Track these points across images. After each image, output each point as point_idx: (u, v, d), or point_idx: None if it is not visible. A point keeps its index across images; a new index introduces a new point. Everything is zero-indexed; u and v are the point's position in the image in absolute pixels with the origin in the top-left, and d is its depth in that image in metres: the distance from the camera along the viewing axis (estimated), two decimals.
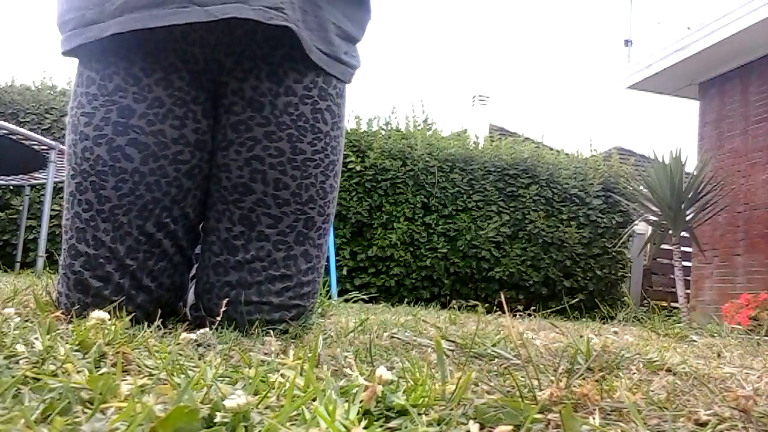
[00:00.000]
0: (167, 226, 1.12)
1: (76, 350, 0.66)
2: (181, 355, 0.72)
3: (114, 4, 1.06)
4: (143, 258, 1.10)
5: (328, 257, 3.34)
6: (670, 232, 4.38)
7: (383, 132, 5.45)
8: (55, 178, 3.49)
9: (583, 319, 3.66)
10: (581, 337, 1.36)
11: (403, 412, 0.49)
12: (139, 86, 1.10)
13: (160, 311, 1.13)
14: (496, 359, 0.90)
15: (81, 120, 1.10)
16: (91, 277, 1.08)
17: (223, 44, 1.14)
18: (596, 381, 0.63)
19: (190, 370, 0.62)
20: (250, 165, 1.12)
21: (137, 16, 1.05)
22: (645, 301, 5.91)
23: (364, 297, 3.16)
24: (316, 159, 1.15)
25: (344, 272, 4.90)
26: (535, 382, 0.61)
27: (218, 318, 1.03)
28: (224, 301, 1.07)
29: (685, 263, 4.66)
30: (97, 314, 0.79)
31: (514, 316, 3.12)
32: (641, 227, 5.87)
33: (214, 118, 1.17)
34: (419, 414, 0.48)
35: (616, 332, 2.02)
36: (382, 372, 0.54)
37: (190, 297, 1.23)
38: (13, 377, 0.47)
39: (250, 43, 1.15)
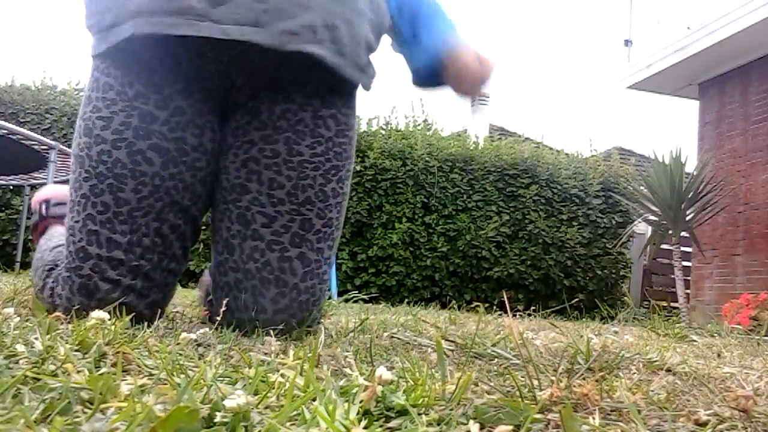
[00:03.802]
0: (179, 228, 1.14)
1: (76, 350, 0.66)
2: (181, 355, 0.72)
3: (128, 7, 1.06)
4: (157, 259, 1.12)
5: None
6: (670, 232, 4.38)
7: (383, 132, 5.46)
8: (55, 178, 3.49)
9: (583, 319, 3.66)
10: (581, 337, 1.36)
11: (403, 412, 0.49)
12: (161, 95, 1.11)
13: (160, 311, 1.15)
14: (496, 359, 0.90)
15: (97, 123, 1.10)
16: (100, 280, 1.08)
17: (237, 63, 1.15)
18: (596, 381, 0.63)
19: (190, 370, 0.61)
20: (247, 166, 1.14)
21: (151, 20, 1.05)
22: (645, 301, 5.91)
23: (365, 297, 3.17)
24: (315, 162, 1.15)
25: (344, 272, 4.90)
26: (535, 382, 0.61)
27: (218, 318, 1.04)
28: (225, 301, 1.08)
29: (685, 263, 4.66)
30: (97, 314, 0.79)
31: (514, 315, 3.12)
32: (641, 227, 5.87)
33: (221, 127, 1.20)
34: (419, 414, 0.48)
35: (616, 332, 2.02)
36: (382, 372, 0.54)
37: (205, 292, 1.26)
38: (13, 377, 0.47)
39: (263, 64, 1.15)
